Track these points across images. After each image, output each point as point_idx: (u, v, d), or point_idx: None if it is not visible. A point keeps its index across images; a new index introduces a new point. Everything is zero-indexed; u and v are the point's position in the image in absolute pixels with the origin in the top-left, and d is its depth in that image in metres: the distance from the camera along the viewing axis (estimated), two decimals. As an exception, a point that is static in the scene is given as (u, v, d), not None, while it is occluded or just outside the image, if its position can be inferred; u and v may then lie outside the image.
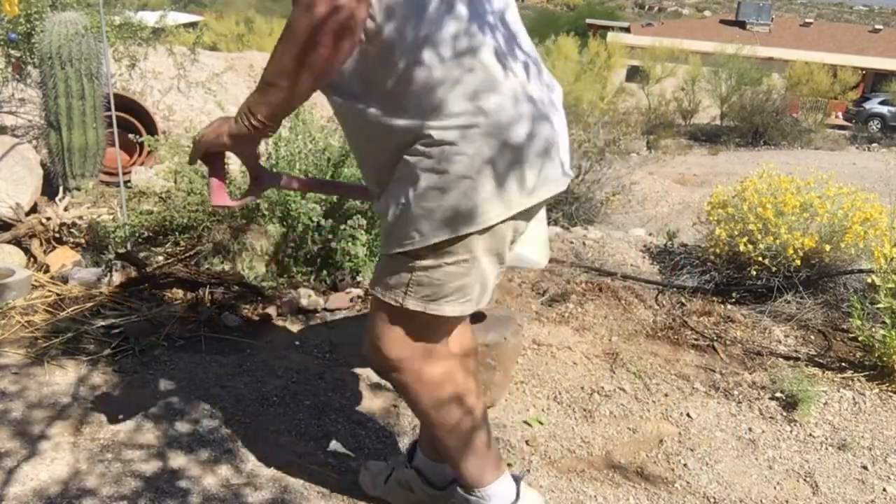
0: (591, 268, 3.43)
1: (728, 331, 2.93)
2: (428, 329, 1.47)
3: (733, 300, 3.20)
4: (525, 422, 2.25)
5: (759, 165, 3.75)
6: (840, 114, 24.48)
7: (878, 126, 23.47)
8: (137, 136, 3.87)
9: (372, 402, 2.26)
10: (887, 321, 2.59)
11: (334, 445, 2.02)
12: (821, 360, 2.72)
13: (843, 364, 2.70)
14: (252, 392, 2.23)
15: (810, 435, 2.28)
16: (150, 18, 5.56)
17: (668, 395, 2.44)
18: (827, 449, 2.22)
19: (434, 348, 1.49)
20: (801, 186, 3.33)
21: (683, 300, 3.18)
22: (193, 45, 5.85)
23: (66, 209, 3.27)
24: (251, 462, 1.93)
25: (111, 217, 3.26)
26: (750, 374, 2.61)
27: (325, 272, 2.92)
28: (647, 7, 66.24)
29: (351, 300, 2.84)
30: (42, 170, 3.91)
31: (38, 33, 4.01)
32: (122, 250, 3.00)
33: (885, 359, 2.57)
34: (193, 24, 14.98)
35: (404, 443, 2.08)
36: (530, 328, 2.79)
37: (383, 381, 2.35)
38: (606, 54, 19.77)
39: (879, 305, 2.63)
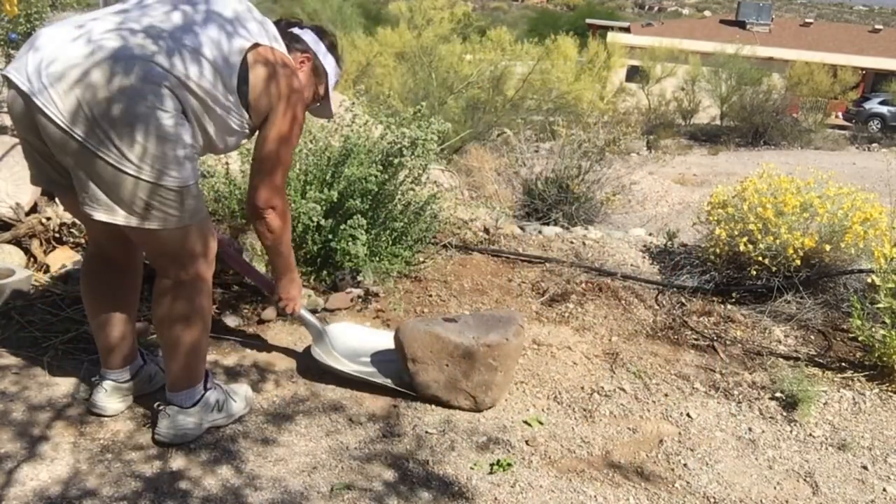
0: (591, 268, 3.43)
1: (728, 331, 2.93)
2: None
3: (733, 300, 3.20)
4: (525, 422, 2.25)
5: (759, 165, 3.75)
6: (840, 114, 24.49)
7: (878, 126, 23.47)
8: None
9: (374, 402, 2.26)
10: (887, 321, 2.59)
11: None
12: (821, 360, 2.72)
13: (843, 364, 2.70)
14: (252, 392, 2.23)
15: (810, 435, 2.28)
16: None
17: (668, 395, 2.44)
18: (827, 449, 2.22)
19: None
20: (801, 186, 3.32)
21: (683, 300, 3.18)
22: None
23: (66, 209, 3.27)
24: (251, 462, 1.93)
25: (111, 217, 3.25)
26: (750, 374, 2.61)
27: (325, 272, 2.92)
28: (647, 7, 66.23)
29: (351, 300, 2.84)
30: (42, 170, 3.89)
31: (38, 33, 4.00)
32: (122, 250, 3.00)
33: (885, 359, 2.57)
34: (193, 24, 14.94)
35: (404, 442, 2.08)
36: (530, 328, 2.79)
37: (383, 381, 2.35)
38: (606, 54, 19.76)
39: (879, 305, 2.63)
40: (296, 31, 2.05)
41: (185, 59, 1.70)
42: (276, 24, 2.00)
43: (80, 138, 1.64)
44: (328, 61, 2.08)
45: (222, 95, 1.77)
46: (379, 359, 2.40)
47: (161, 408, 1.99)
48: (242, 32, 1.81)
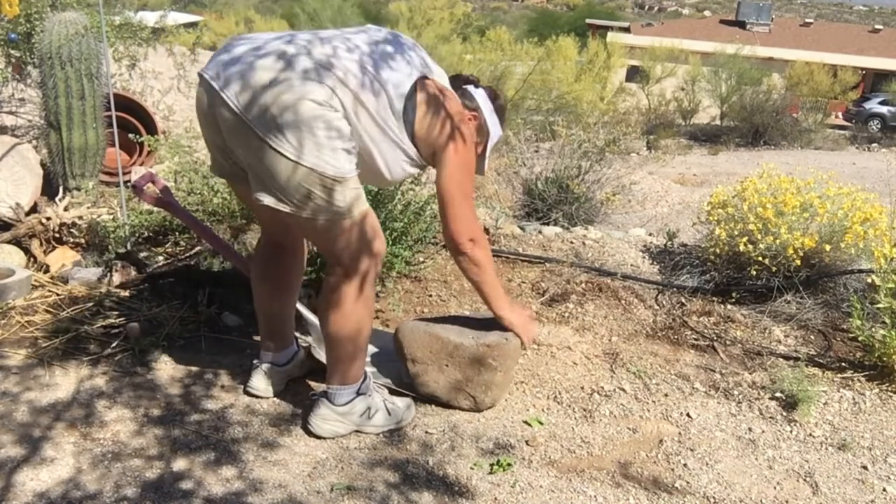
0: (591, 268, 3.43)
1: (728, 331, 2.93)
2: None
3: (733, 300, 3.20)
4: (525, 422, 2.25)
5: (759, 165, 3.75)
6: (840, 114, 24.46)
7: (878, 126, 23.46)
8: (137, 136, 3.87)
9: (372, 403, 2.26)
10: (887, 321, 2.59)
11: None
12: (821, 360, 2.72)
13: (843, 364, 2.70)
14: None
15: (810, 435, 2.28)
16: (150, 18, 5.56)
17: (668, 395, 2.44)
18: (827, 449, 2.22)
19: None
20: (801, 186, 3.32)
21: (683, 300, 3.18)
22: (193, 45, 5.85)
23: (66, 209, 3.27)
24: (252, 464, 1.93)
25: (111, 217, 3.26)
26: (750, 374, 2.61)
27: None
28: (647, 7, 66.26)
29: (351, 300, 2.83)
30: (42, 170, 3.91)
31: (38, 33, 4.01)
32: (122, 250, 3.00)
33: (885, 359, 2.57)
34: (193, 25, 15.00)
35: (405, 443, 2.08)
36: (530, 328, 2.79)
37: (384, 381, 2.35)
38: (606, 54, 19.72)
39: (879, 305, 2.63)
40: (470, 88, 2.13)
41: (358, 75, 1.81)
42: (453, 79, 2.10)
43: (251, 125, 1.76)
44: (493, 121, 2.15)
45: (387, 116, 1.86)
46: (379, 359, 2.40)
47: (315, 397, 2.09)
48: (416, 63, 1.93)
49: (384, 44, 1.91)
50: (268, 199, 1.83)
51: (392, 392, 2.24)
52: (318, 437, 2.05)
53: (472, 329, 2.26)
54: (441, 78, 2.01)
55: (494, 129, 2.15)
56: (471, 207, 2.03)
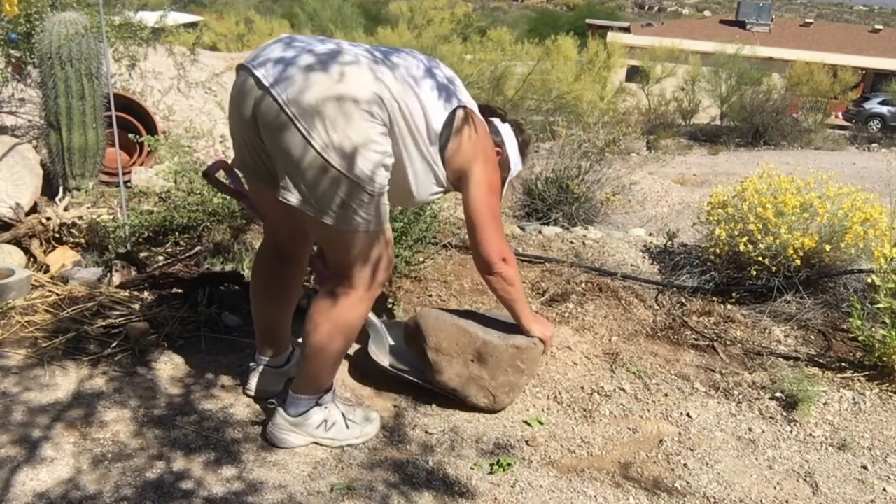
0: (591, 268, 3.43)
1: (728, 331, 2.93)
2: None
3: (733, 300, 3.20)
4: (525, 422, 2.25)
5: (759, 165, 3.75)
6: (840, 114, 24.46)
7: (878, 126, 23.46)
8: (137, 136, 3.87)
9: (374, 402, 2.26)
10: (887, 321, 2.59)
11: None
12: (821, 360, 2.72)
13: (843, 364, 2.70)
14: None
15: (810, 435, 2.28)
16: (150, 18, 5.57)
17: (668, 395, 2.44)
18: (827, 449, 2.22)
19: None
20: (801, 186, 3.32)
21: (683, 300, 3.18)
22: (193, 45, 5.86)
23: (66, 209, 3.27)
24: (253, 463, 1.93)
25: (111, 217, 3.26)
26: (750, 374, 2.61)
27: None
28: (647, 7, 66.27)
29: (351, 300, 2.83)
30: (42, 170, 3.91)
31: (38, 33, 4.01)
32: (122, 250, 3.00)
33: (885, 359, 2.57)
34: (193, 25, 15.02)
35: (405, 443, 2.08)
36: (530, 328, 2.78)
37: (384, 381, 2.35)
38: (606, 54, 19.74)
39: (879, 305, 2.63)
40: (496, 122, 2.17)
41: (407, 91, 1.83)
42: (481, 108, 2.12)
43: (296, 123, 1.72)
44: (514, 155, 2.20)
45: (426, 136, 1.88)
46: (397, 351, 2.38)
47: (273, 405, 2.04)
48: (458, 92, 1.97)
49: (426, 67, 1.93)
50: (294, 200, 1.79)
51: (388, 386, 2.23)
52: (276, 447, 2.00)
53: (493, 328, 2.24)
54: (473, 106, 2.03)
55: (515, 165, 2.21)
56: (500, 227, 2.07)
